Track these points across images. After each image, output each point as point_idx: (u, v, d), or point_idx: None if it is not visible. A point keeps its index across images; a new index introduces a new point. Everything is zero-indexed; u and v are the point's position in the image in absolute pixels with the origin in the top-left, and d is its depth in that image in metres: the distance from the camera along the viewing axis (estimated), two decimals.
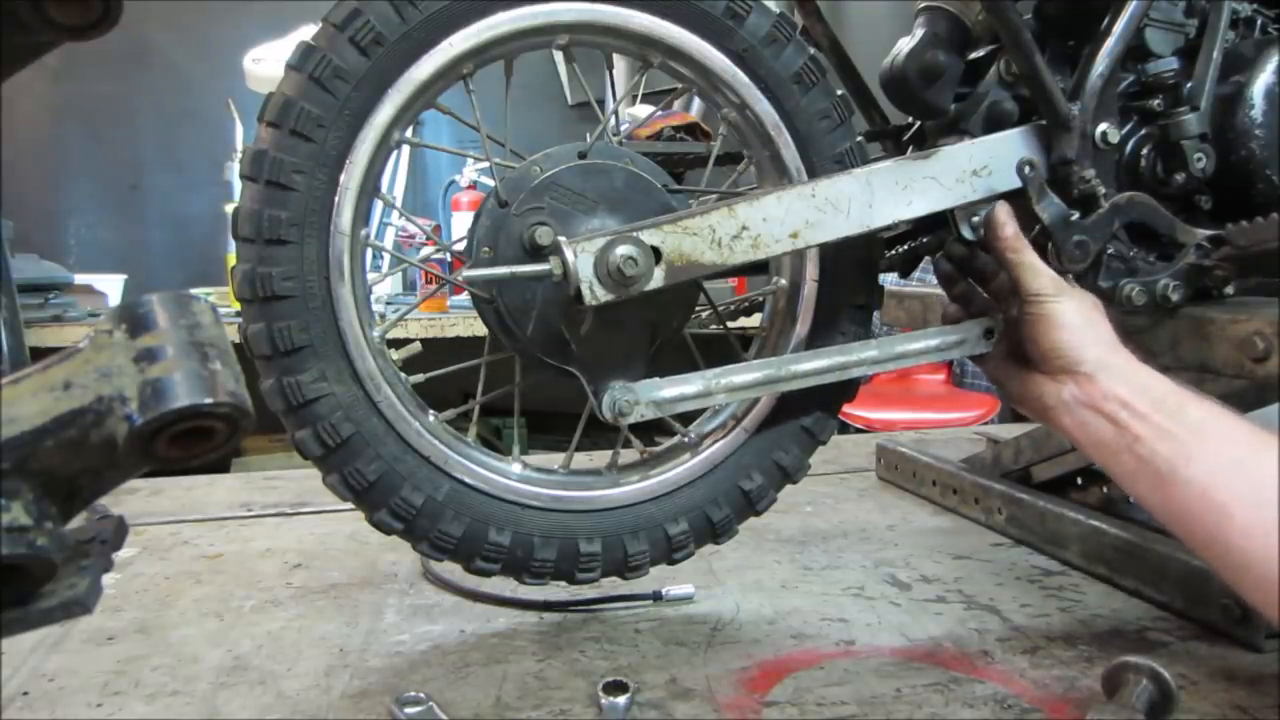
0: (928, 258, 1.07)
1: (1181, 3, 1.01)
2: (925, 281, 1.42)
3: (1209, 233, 0.97)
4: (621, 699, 0.82)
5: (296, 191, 0.83)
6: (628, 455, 1.00)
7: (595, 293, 0.84)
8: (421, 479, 0.89)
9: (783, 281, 1.00)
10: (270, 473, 1.72)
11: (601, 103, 0.99)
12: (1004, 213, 0.92)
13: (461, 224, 3.02)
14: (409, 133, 0.91)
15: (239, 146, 2.94)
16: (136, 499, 1.51)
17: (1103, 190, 0.96)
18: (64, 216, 3.72)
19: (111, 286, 3.11)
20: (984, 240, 0.94)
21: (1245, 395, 0.95)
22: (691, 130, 2.98)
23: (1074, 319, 0.87)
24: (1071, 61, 1.00)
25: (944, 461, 1.44)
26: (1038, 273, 0.89)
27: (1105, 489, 1.25)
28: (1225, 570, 0.76)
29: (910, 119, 1.08)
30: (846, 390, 0.99)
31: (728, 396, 0.93)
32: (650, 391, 0.90)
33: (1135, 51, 1.00)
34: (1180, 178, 0.99)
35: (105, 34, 0.55)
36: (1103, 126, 0.97)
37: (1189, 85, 1.00)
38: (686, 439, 1.00)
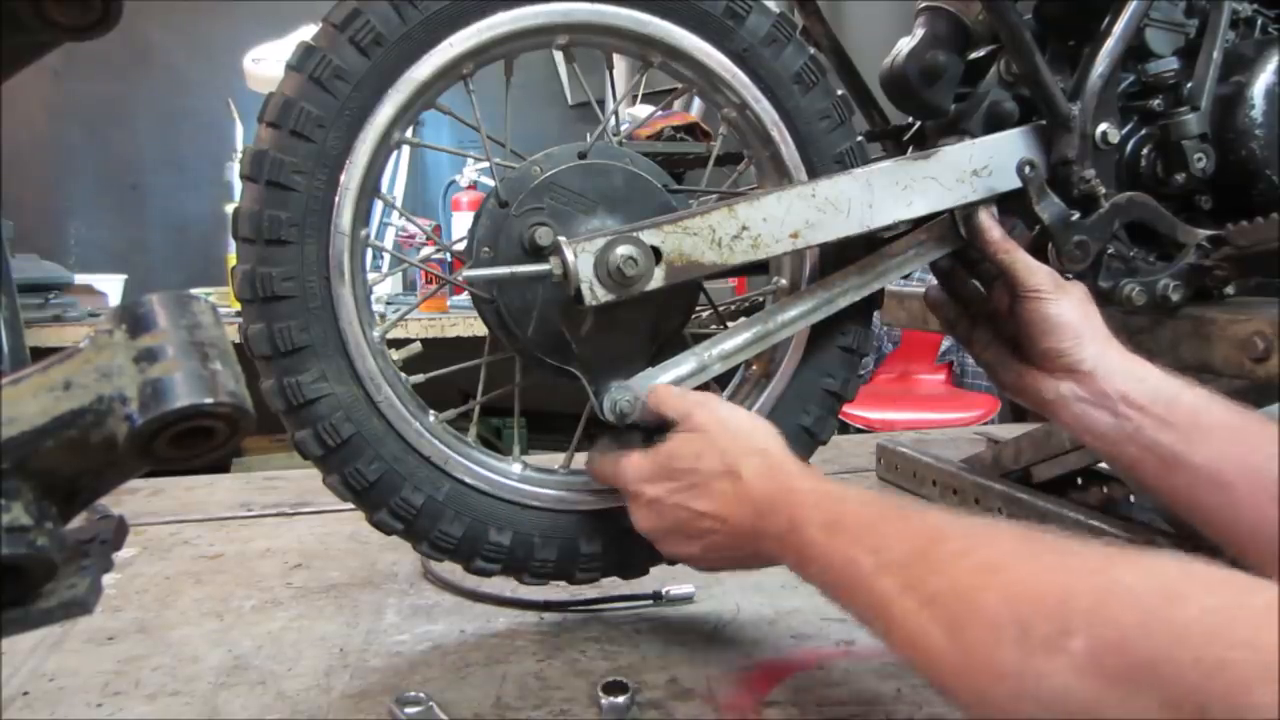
0: None
1: (1181, 3, 1.01)
2: (925, 281, 1.42)
3: (1209, 233, 0.97)
4: (621, 699, 0.82)
5: (296, 192, 0.83)
6: None
7: (595, 293, 0.84)
8: (422, 479, 0.89)
9: (783, 281, 1.00)
10: (270, 473, 1.72)
11: (601, 103, 0.98)
12: (987, 217, 0.94)
13: (462, 224, 3.02)
14: (409, 133, 0.91)
15: (239, 146, 2.94)
16: (136, 499, 1.51)
17: (1103, 190, 0.96)
18: (64, 216, 3.71)
19: (111, 286, 3.11)
20: (975, 245, 0.95)
21: (1245, 395, 0.95)
22: (691, 130, 2.98)
23: (1071, 317, 0.88)
24: (1071, 61, 1.00)
25: (944, 461, 1.44)
26: (1032, 270, 0.90)
27: (1105, 489, 1.25)
28: (1233, 542, 0.78)
29: (910, 119, 1.08)
30: (847, 388, 0.99)
31: (723, 364, 0.93)
32: (646, 384, 0.90)
33: (1135, 51, 1.00)
34: (1180, 178, 0.99)
35: (105, 34, 0.55)
36: (1103, 126, 0.97)
37: (1189, 85, 1.00)
38: None
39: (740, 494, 0.77)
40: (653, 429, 0.88)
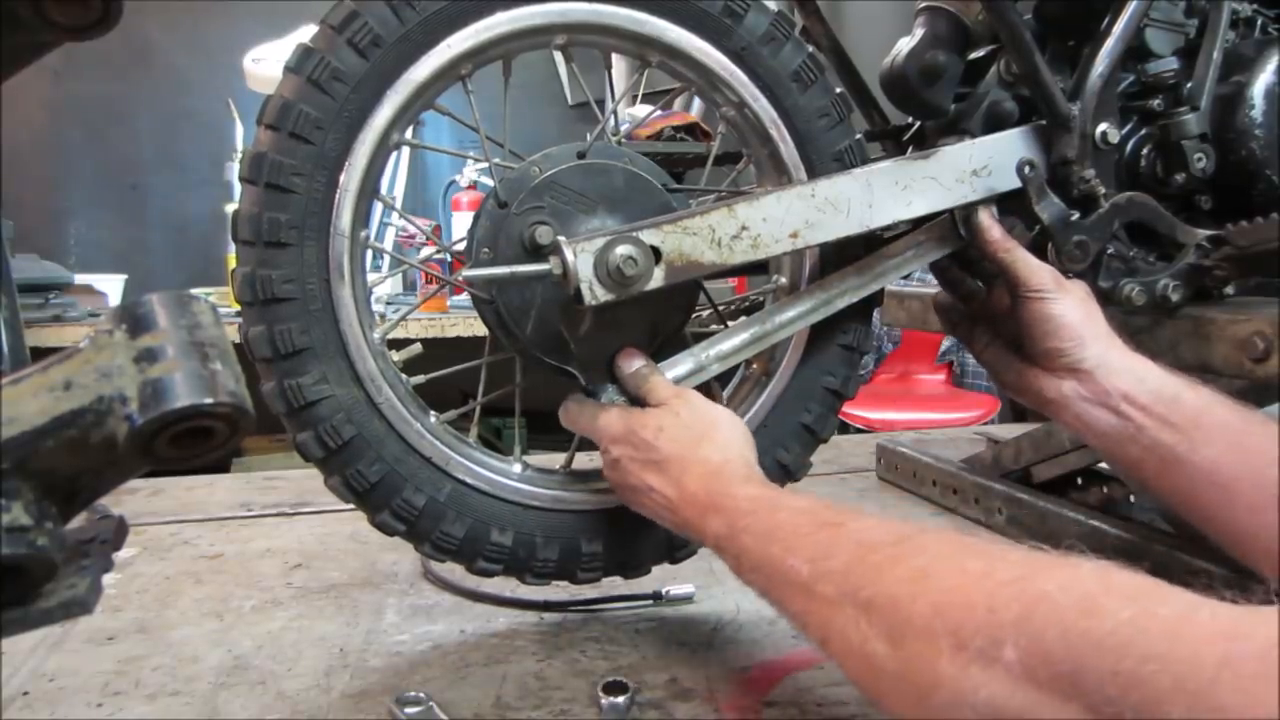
0: None
1: (1181, 3, 1.01)
2: (925, 281, 1.42)
3: (1209, 233, 0.97)
4: (621, 699, 0.82)
5: (296, 194, 0.83)
6: None
7: (595, 292, 0.84)
8: (423, 480, 0.89)
9: (783, 281, 1.00)
10: (270, 473, 1.72)
11: (601, 103, 0.98)
12: (987, 216, 0.94)
13: (462, 224, 3.02)
14: (408, 134, 0.91)
15: (239, 147, 2.94)
16: (136, 499, 1.51)
17: (1103, 190, 0.96)
18: (64, 216, 3.71)
19: (111, 286, 3.10)
20: (975, 245, 0.95)
21: (1245, 395, 0.95)
22: (691, 130, 2.99)
23: (1074, 316, 0.88)
24: (1071, 61, 1.00)
25: (944, 461, 1.44)
26: (1034, 269, 0.90)
27: (1105, 489, 1.25)
28: (1233, 542, 0.78)
29: (910, 119, 1.09)
30: (847, 386, 0.99)
31: (721, 365, 0.93)
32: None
33: (1135, 51, 1.00)
34: (1180, 178, 0.99)
35: (105, 34, 0.55)
36: (1103, 126, 0.97)
37: (1189, 85, 1.00)
38: None
39: (683, 487, 0.79)
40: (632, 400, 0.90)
